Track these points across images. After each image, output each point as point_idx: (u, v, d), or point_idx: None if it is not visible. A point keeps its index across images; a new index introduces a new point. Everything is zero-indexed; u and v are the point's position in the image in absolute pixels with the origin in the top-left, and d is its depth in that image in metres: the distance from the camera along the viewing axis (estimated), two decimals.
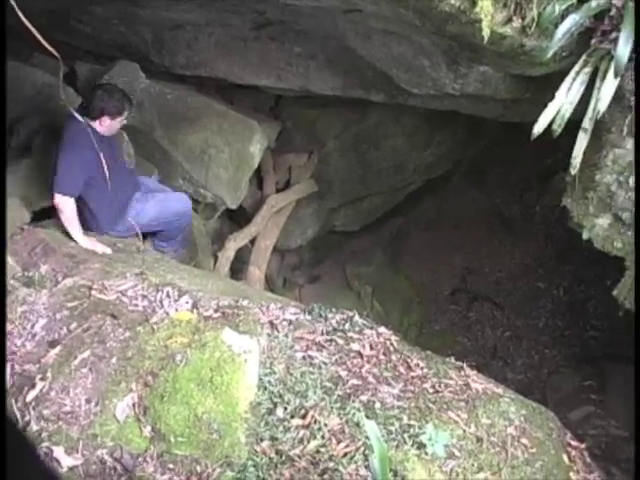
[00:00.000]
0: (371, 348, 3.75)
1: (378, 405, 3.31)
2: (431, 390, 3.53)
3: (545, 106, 3.99)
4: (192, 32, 5.38)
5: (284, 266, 8.48)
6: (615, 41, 3.70)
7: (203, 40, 5.45)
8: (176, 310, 3.56)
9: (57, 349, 3.27)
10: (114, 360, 3.18)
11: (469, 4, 3.38)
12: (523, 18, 3.62)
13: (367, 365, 3.58)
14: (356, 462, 2.94)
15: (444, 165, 9.10)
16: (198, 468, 2.84)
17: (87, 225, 4.87)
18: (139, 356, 3.18)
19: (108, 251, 4.63)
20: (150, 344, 3.24)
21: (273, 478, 2.85)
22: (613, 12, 3.74)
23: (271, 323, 3.72)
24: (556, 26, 3.66)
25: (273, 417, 3.12)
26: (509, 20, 3.62)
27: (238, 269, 6.83)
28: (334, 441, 3.04)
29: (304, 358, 3.53)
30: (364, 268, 9.23)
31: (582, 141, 4.02)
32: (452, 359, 3.96)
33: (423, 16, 3.68)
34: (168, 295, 3.72)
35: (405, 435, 3.15)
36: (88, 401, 3.00)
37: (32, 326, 3.47)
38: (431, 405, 3.40)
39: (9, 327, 3.40)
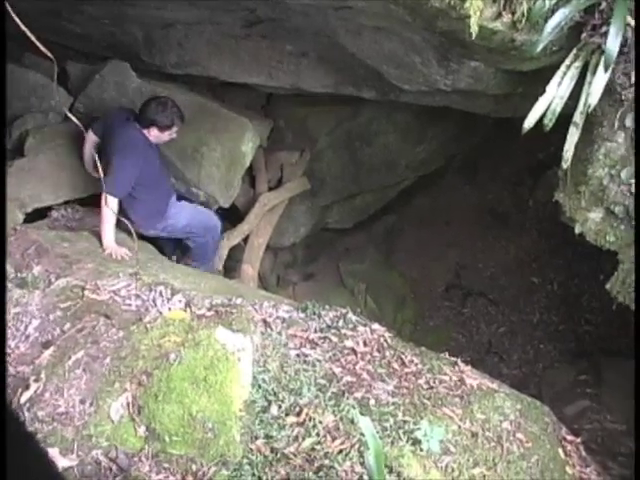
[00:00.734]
0: (365, 345, 3.75)
1: (373, 402, 3.32)
2: (425, 386, 3.54)
3: (536, 101, 3.99)
4: (183, 31, 5.37)
5: (277, 264, 8.47)
6: (605, 35, 3.70)
7: (194, 39, 5.44)
8: (169, 309, 3.56)
9: (51, 350, 3.26)
10: (108, 360, 3.17)
11: (459, 0, 3.38)
12: (513, 13, 3.62)
13: (361, 362, 3.59)
14: (351, 459, 2.95)
15: (436, 161, 9.10)
16: (193, 467, 2.84)
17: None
18: (133, 356, 3.17)
19: (125, 257, 4.72)
20: (144, 344, 3.24)
21: (268, 476, 2.85)
22: (603, 6, 3.74)
23: (264, 321, 3.72)
24: (546, 20, 3.66)
25: (268, 415, 3.12)
26: (499, 15, 3.61)
27: (231, 267, 6.82)
28: (329, 438, 3.04)
29: (298, 356, 3.54)
30: (358, 265, 9.23)
31: (573, 135, 4.02)
32: (446, 355, 3.97)
33: (413, 12, 3.68)
34: (161, 294, 3.72)
35: (400, 431, 3.15)
36: (82, 402, 2.99)
37: (25, 327, 3.46)
38: (426, 401, 3.41)
39: None
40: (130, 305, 3.60)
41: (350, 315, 4.01)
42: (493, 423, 3.46)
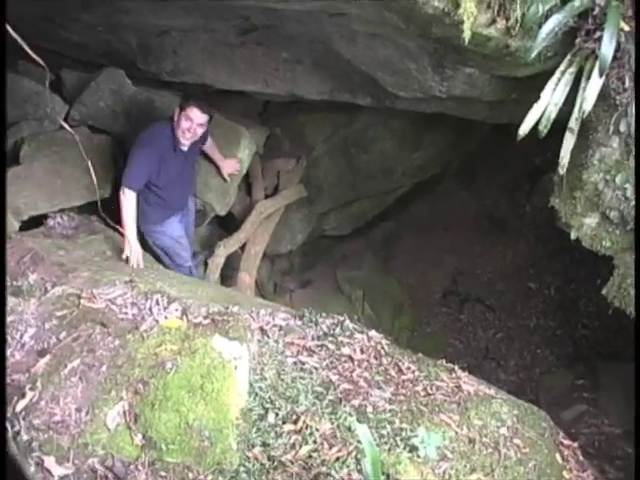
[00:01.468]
0: (362, 352, 3.75)
1: (370, 409, 3.32)
2: (422, 393, 3.54)
3: (531, 107, 4.00)
4: (178, 38, 5.37)
5: (274, 272, 8.46)
6: (599, 40, 3.72)
7: (189, 46, 5.45)
8: (165, 317, 3.55)
9: (46, 358, 3.26)
10: (104, 369, 3.17)
11: (452, 6, 3.39)
12: (507, 19, 3.63)
13: (358, 369, 3.59)
14: (348, 466, 2.94)
15: (433, 167, 9.11)
16: (190, 475, 2.84)
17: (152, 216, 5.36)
18: (129, 364, 3.17)
19: (141, 265, 4.89)
20: (140, 352, 3.23)
21: None
22: (596, 11, 3.76)
23: (261, 329, 3.72)
24: (540, 26, 3.67)
25: (264, 423, 3.12)
26: (493, 21, 3.62)
27: (228, 275, 6.82)
28: (326, 446, 3.04)
29: (295, 363, 3.53)
30: (355, 272, 9.23)
31: (569, 141, 4.03)
32: (443, 361, 3.97)
33: (407, 19, 3.69)
34: (157, 302, 3.71)
35: (397, 438, 3.15)
36: (78, 410, 2.99)
37: (21, 336, 3.45)
38: (423, 408, 3.41)
39: None
40: (126, 313, 3.59)
41: (347, 322, 4.01)
42: (490, 429, 3.46)
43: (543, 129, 3.96)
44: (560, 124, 4.01)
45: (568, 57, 3.91)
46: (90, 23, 5.06)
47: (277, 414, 3.17)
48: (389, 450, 3.08)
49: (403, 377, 3.63)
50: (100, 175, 5.13)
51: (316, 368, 3.51)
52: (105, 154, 5.65)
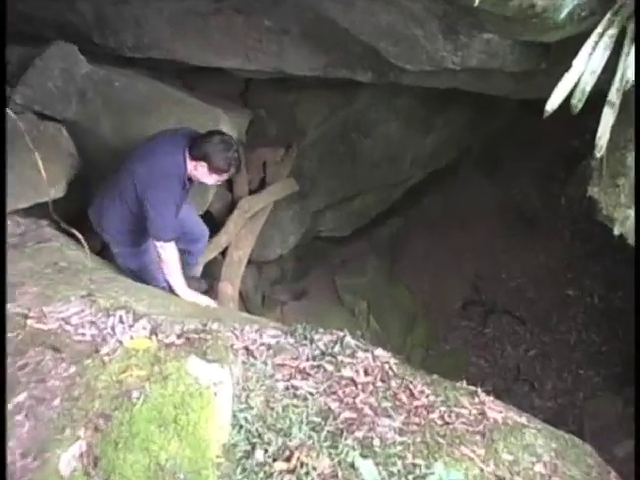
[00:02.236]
0: (366, 374, 3.73)
1: (377, 442, 3.29)
2: (439, 422, 3.51)
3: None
4: (139, 7, 5.37)
5: (262, 281, 8.47)
6: None
7: (153, 16, 5.45)
8: (131, 338, 3.52)
9: None
10: (57, 402, 3.13)
11: None
12: None
13: (362, 394, 3.57)
14: None
15: (448, 154, 9.13)
16: None
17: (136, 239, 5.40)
18: (87, 395, 3.14)
19: (213, 304, 5.14)
20: (101, 380, 3.20)
21: None
22: None
23: (246, 349, 3.70)
24: None
25: (251, 461, 3.09)
26: None
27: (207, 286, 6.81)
28: None
29: (287, 389, 3.51)
30: (357, 279, 9.25)
31: (608, 117, 4.01)
32: (464, 384, 3.95)
33: None
34: (121, 320, 3.69)
35: (410, 477, 3.12)
36: (24, 455, 2.94)
37: None
38: (440, 440, 3.38)
39: None
40: (84, 334, 3.56)
41: (348, 339, 4.00)
42: (523, 465, 3.42)
43: (577, 103, 3.94)
44: (599, 97, 3.99)
45: (607, 16, 3.90)
46: None
47: (266, 450, 3.14)
48: None
49: (416, 403, 3.61)
50: (51, 171, 5.10)
51: (312, 394, 3.49)
52: (56, 146, 5.62)
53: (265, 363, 3.63)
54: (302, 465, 3.09)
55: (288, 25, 5.40)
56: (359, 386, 3.63)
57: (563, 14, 3.72)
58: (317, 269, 9.30)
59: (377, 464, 3.10)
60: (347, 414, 3.42)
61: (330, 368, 3.72)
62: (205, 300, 5.01)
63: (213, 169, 5.03)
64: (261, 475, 3.03)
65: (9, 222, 5.14)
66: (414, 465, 3.19)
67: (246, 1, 5.04)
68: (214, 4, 5.17)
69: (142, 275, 5.55)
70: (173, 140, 5.18)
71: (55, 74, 5.72)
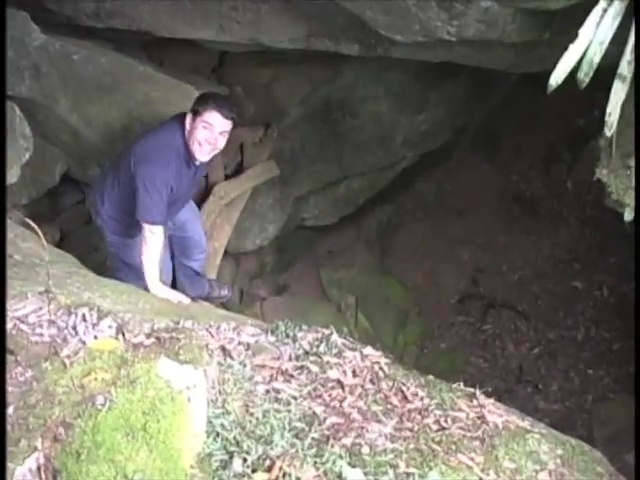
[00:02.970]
0: (354, 375, 3.74)
1: (366, 449, 3.29)
2: (435, 427, 3.52)
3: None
4: None
5: (240, 274, 8.48)
6: None
7: None
8: (95, 337, 3.52)
9: None
10: (11, 410, 3.12)
11: None
12: None
13: (350, 397, 3.57)
14: None
15: (443, 134, 9.14)
16: None
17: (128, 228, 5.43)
18: (46, 402, 3.12)
19: (186, 300, 5.13)
20: (61, 385, 3.19)
21: None
22: None
23: (223, 348, 3.70)
24: None
25: (228, 472, 3.08)
26: None
27: None
28: None
29: (267, 392, 3.51)
30: (344, 272, 9.27)
31: (619, 93, 4.01)
32: (461, 385, 3.96)
33: None
34: (84, 319, 3.68)
35: None
36: None
37: None
38: (435, 446, 3.39)
39: None
40: (42, 335, 3.55)
41: (335, 337, 4.00)
42: (526, 474, 3.43)
43: (584, 77, 3.94)
44: (609, 71, 3.99)
45: None
46: None
47: (245, 459, 3.13)
48: None
49: (409, 406, 3.61)
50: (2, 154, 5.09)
51: (295, 398, 3.49)
52: (7, 125, 5.59)
53: (243, 364, 3.62)
54: (285, 475, 3.08)
55: None
56: (346, 389, 3.63)
57: None
58: (300, 261, 9.32)
59: (366, 473, 3.10)
60: (333, 419, 3.42)
61: (315, 369, 3.72)
62: (177, 296, 5.00)
63: (194, 114, 5.08)
64: None
65: None
66: (407, 474, 3.20)
67: None
68: None
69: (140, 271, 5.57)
70: (176, 117, 5.30)
71: (5, 45, 5.70)
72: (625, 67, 3.95)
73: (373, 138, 8.26)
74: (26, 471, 2.90)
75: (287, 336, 3.94)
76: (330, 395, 3.56)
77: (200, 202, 7.05)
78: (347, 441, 3.31)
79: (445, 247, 9.92)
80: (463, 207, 10.21)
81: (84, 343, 3.46)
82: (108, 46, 6.37)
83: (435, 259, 9.94)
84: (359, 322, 8.78)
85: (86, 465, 2.88)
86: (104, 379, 3.18)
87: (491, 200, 10.31)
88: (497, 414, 3.72)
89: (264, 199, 8.02)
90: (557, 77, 3.97)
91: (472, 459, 3.37)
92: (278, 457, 3.15)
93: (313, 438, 3.28)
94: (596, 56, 3.92)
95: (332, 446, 3.24)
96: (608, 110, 4.04)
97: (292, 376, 3.64)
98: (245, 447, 3.17)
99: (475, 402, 3.78)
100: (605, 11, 3.90)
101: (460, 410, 3.68)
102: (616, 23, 3.90)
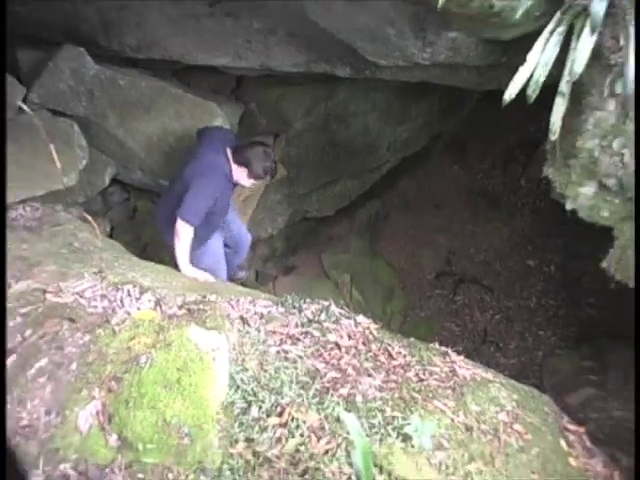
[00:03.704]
0: (349, 338, 3.76)
1: (359, 398, 3.32)
2: (415, 379, 3.55)
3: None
4: (140, 10, 5.34)
5: (255, 258, 8.47)
6: None
7: (152, 19, 5.41)
8: (138, 309, 3.54)
9: (11, 358, 3.24)
10: (74, 366, 3.15)
11: None
12: None
13: (346, 356, 3.59)
14: (338, 459, 2.94)
15: (421, 140, 9.12)
16: (170, 476, 2.83)
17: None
18: (100, 361, 3.15)
19: (211, 279, 5.04)
20: (112, 347, 3.22)
21: None
22: None
23: (241, 317, 3.71)
24: None
25: (247, 417, 3.11)
26: None
27: None
28: (314, 438, 3.04)
29: (278, 353, 3.53)
30: (341, 255, 9.26)
31: (560, 106, 4.00)
32: (437, 345, 3.98)
33: None
34: (129, 294, 3.70)
35: (389, 427, 3.16)
36: (47, 412, 2.97)
37: None
38: (415, 394, 3.42)
39: None
40: (96, 307, 3.57)
41: (333, 307, 4.02)
42: (489, 415, 3.46)
43: (532, 94, 3.94)
44: (553, 88, 3.99)
45: (557, 15, 3.89)
46: None
47: (261, 407, 3.16)
48: (381, 440, 3.08)
49: (394, 363, 3.63)
50: (64, 161, 5.09)
51: (301, 357, 3.51)
52: (68, 138, 5.61)
53: (258, 330, 3.64)
54: (293, 419, 3.12)
55: (274, 26, 5.38)
56: (343, 349, 3.65)
57: (519, 14, 3.73)
58: (305, 247, 9.31)
59: (360, 417, 3.14)
60: (332, 374, 3.44)
61: (317, 334, 3.74)
62: (204, 275, 4.99)
63: (252, 175, 5.14)
64: (256, 429, 3.06)
65: (28, 208, 5.15)
66: (393, 417, 3.23)
67: (236, 5, 5.02)
68: (208, 8, 5.14)
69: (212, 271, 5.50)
70: (214, 142, 5.24)
71: (66, 75, 5.71)
72: (564, 85, 3.94)
73: (363, 145, 8.25)
74: (87, 414, 2.94)
75: (294, 307, 3.96)
76: (330, 354, 3.59)
77: None
78: (344, 391, 3.34)
79: (424, 234, 9.91)
80: (438, 201, 10.20)
81: (129, 314, 3.49)
82: (146, 73, 6.37)
83: (416, 244, 9.94)
84: (353, 296, 8.77)
85: (133, 411, 2.92)
86: (146, 343, 3.21)
87: (461, 195, 10.29)
88: (466, 368, 3.76)
89: (274, 196, 8.01)
90: (510, 93, 3.96)
91: (445, 404, 3.41)
92: (287, 405, 3.18)
93: (316, 389, 3.31)
94: (541, 76, 3.91)
95: (331, 395, 3.28)
96: (552, 120, 4.04)
97: (298, 339, 3.67)
98: (260, 397, 3.20)
99: (448, 359, 3.81)
100: (548, 40, 3.90)
101: (436, 365, 3.71)
102: (557, 49, 3.90)
